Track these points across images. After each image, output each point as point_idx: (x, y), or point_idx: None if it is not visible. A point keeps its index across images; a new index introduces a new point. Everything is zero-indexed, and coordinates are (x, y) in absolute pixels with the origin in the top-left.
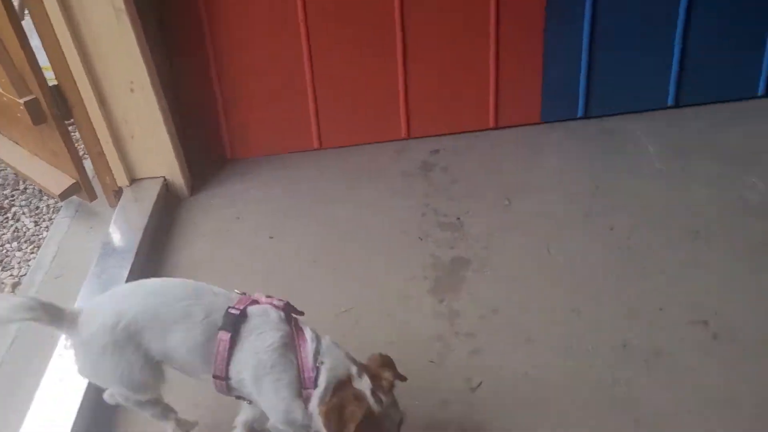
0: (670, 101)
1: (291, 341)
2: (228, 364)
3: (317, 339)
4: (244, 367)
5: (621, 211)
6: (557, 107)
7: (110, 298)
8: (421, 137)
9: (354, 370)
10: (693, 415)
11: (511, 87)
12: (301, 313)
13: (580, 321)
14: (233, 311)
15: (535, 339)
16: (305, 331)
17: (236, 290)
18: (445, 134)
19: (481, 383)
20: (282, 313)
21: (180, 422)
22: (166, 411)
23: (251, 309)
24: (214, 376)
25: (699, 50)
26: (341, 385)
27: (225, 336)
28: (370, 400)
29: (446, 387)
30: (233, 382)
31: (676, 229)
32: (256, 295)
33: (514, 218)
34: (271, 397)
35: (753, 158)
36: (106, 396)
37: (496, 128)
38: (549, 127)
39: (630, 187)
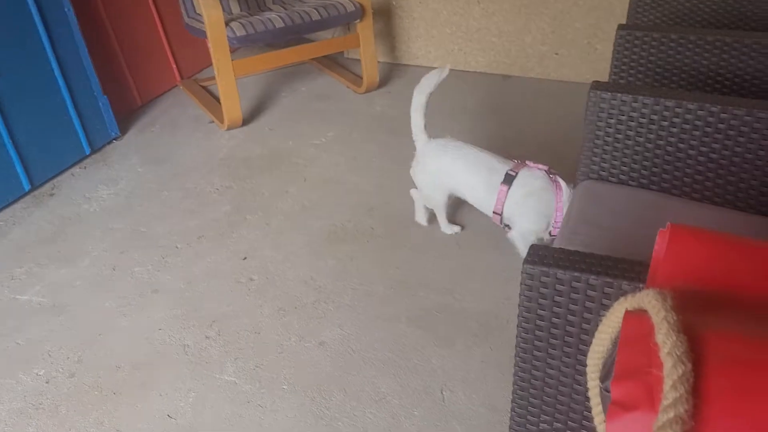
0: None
1: (550, 187)
2: (503, 206)
3: (569, 190)
4: (511, 207)
5: None
6: None
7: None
8: None
9: None
10: None
11: None
12: (558, 173)
13: None
14: (511, 173)
15: None
16: (561, 184)
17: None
18: None
19: None
20: (543, 172)
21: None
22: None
23: (523, 170)
24: (494, 213)
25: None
26: None
27: (504, 188)
28: None
29: None
30: (503, 217)
31: None
32: (527, 162)
33: None
34: (526, 220)
35: None
36: (413, 192)
37: None
38: None
39: None
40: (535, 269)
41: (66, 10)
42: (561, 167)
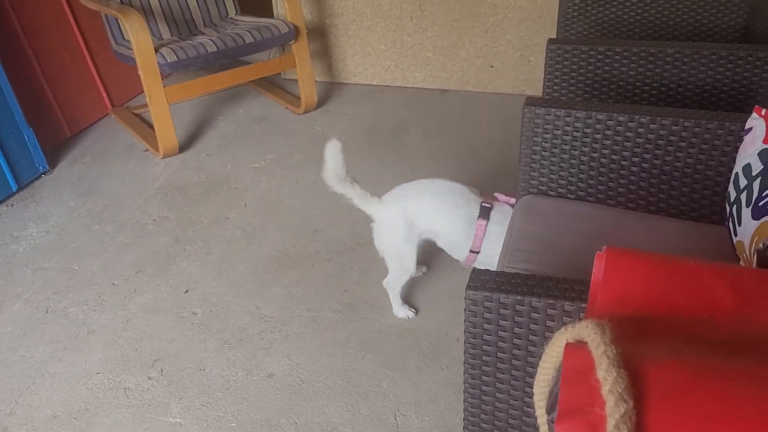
0: None
1: None
2: (482, 242)
3: None
4: (491, 245)
5: None
6: None
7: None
8: None
9: None
10: None
11: None
12: None
13: None
14: (486, 205)
15: None
16: None
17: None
18: None
19: None
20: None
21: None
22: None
23: (496, 204)
24: (472, 251)
25: None
26: None
27: (482, 223)
28: None
29: None
30: (481, 255)
31: None
32: (495, 194)
33: None
34: None
35: None
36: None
37: None
38: None
39: None
40: (478, 294)
41: None
42: (502, 182)
